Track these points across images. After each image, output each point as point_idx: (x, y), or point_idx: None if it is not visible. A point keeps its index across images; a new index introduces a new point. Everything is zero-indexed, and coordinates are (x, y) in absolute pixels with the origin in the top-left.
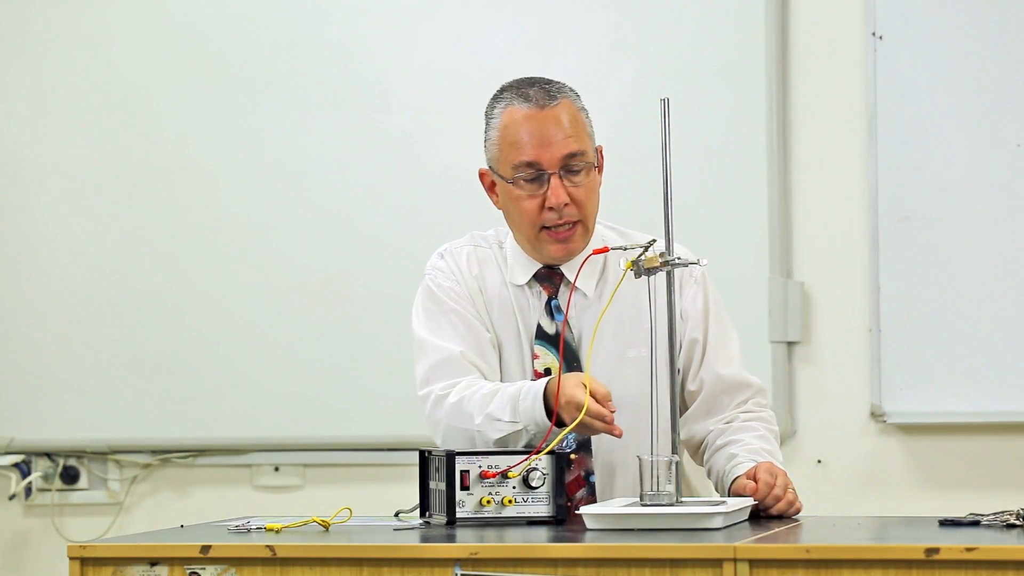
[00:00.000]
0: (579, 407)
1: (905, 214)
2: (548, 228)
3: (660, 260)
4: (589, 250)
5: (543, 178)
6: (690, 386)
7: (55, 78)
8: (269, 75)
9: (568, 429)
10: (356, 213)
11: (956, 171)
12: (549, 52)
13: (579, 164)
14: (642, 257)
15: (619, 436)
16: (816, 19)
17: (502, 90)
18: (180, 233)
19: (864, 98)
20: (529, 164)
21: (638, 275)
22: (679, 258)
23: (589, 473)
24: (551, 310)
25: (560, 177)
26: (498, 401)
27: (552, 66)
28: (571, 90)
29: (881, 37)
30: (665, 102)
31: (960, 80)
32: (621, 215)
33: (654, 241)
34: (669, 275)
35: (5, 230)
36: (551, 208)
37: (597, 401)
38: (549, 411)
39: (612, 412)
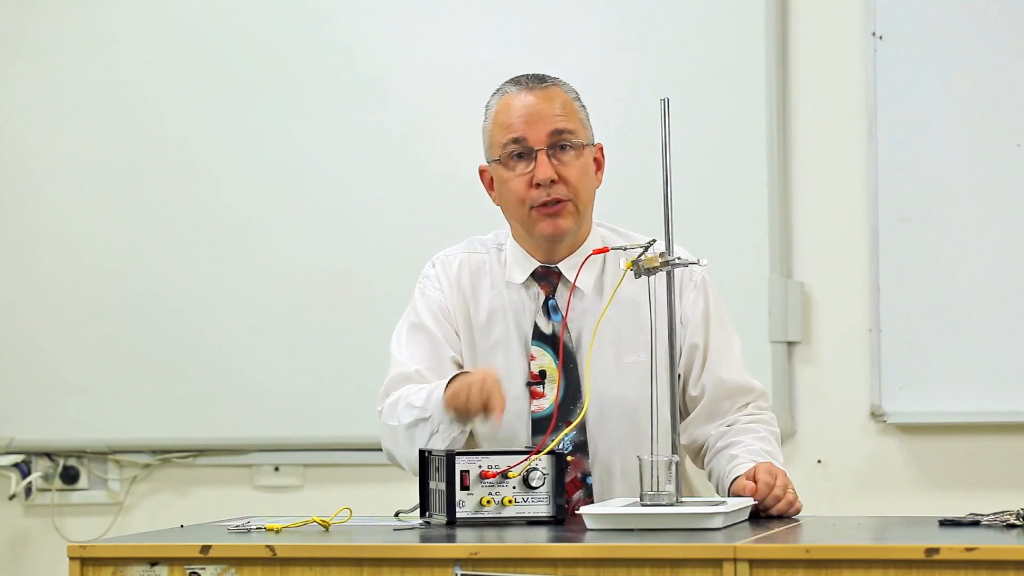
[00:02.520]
0: (462, 401)
1: (905, 214)
2: (537, 207)
3: (660, 260)
4: (589, 250)
5: (531, 155)
6: (692, 391)
7: (55, 78)
8: (269, 75)
9: (568, 429)
10: (356, 213)
11: (956, 171)
12: (549, 52)
13: (567, 142)
14: (642, 257)
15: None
16: (816, 19)
17: (500, 85)
18: (180, 233)
19: (864, 98)
20: (516, 140)
21: (638, 275)
22: (679, 258)
23: (586, 475)
24: (548, 310)
25: (548, 155)
26: (424, 391)
27: (552, 66)
28: (568, 85)
29: (881, 37)
30: (665, 102)
31: (960, 80)
32: (621, 215)
33: (654, 241)
34: (669, 275)
35: (5, 230)
36: (539, 184)
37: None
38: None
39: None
